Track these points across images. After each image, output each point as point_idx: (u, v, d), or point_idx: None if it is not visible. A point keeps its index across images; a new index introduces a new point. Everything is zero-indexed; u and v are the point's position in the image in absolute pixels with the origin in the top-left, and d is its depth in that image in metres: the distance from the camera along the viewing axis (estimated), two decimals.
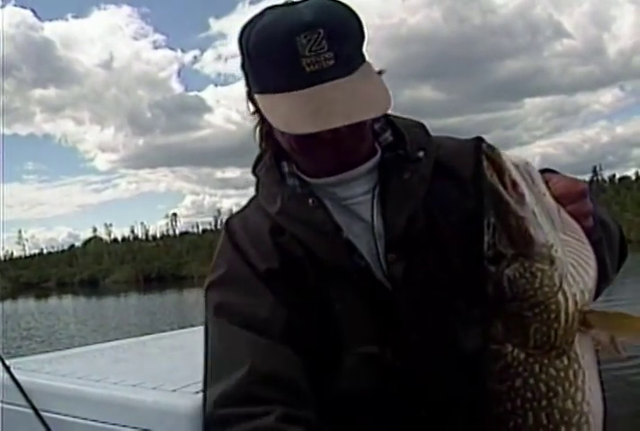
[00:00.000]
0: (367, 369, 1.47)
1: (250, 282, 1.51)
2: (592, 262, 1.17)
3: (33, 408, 2.65)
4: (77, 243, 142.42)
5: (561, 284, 1.13)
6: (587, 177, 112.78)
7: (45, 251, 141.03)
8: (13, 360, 3.13)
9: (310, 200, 1.51)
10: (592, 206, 1.31)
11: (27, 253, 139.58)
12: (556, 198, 1.22)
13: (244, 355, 1.43)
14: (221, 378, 1.43)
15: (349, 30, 1.41)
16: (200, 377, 2.47)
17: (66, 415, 2.56)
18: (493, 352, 1.21)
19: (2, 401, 2.78)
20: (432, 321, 1.47)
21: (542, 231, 1.15)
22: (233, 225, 1.64)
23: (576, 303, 1.13)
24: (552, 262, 1.14)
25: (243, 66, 1.50)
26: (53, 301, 63.49)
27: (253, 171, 1.67)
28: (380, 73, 1.49)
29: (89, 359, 3.18)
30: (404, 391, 1.47)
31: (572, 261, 1.15)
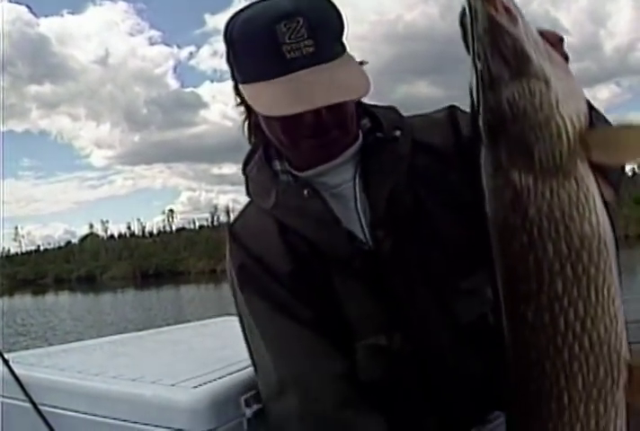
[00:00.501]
0: (379, 360, 1.53)
1: (275, 291, 1.59)
2: (580, 92, 1.19)
3: (32, 402, 2.64)
4: (74, 240, 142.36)
5: (558, 104, 1.13)
6: None
7: (42, 248, 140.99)
8: (12, 354, 3.12)
9: (305, 191, 1.56)
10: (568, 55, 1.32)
11: (23, 250, 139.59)
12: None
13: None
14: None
15: (328, 20, 1.47)
16: (199, 372, 2.51)
17: (64, 409, 2.56)
18: (499, 182, 1.16)
19: (1, 395, 2.78)
20: (428, 296, 1.51)
21: (536, 52, 1.16)
22: (238, 232, 1.69)
23: (574, 124, 1.13)
24: (547, 83, 1.14)
25: (228, 59, 1.57)
26: (50, 297, 63.48)
27: (244, 171, 1.73)
28: (362, 63, 1.55)
29: (88, 353, 3.17)
30: (418, 372, 1.53)
31: (563, 88, 1.15)
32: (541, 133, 1.12)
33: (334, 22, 1.50)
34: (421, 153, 1.56)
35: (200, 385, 2.41)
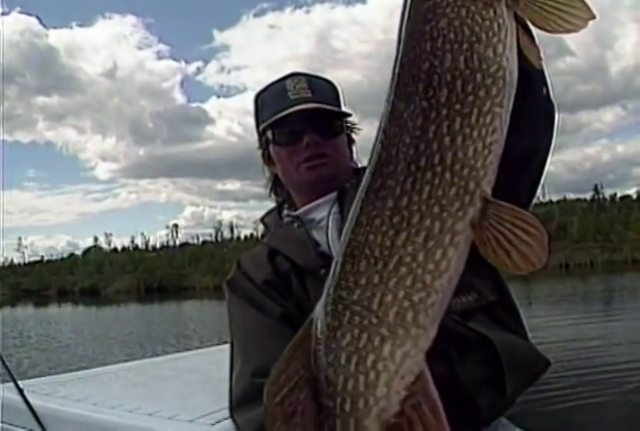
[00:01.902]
0: None
1: (252, 291, 1.91)
2: None
3: None
4: (77, 252, 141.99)
5: None
6: (588, 195, 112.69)
7: (45, 259, 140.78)
8: (27, 381, 3.10)
9: (295, 224, 1.97)
10: None
11: (26, 260, 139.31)
12: None
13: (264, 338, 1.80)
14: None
15: (324, 84, 2.03)
16: (216, 407, 2.49)
17: None
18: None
19: (15, 426, 2.76)
20: None
21: None
22: (241, 260, 2.06)
23: None
24: None
25: (257, 124, 2.06)
26: (53, 309, 63.35)
27: (262, 221, 2.17)
28: (354, 125, 2.07)
29: (104, 382, 3.14)
30: None
31: None
32: None
33: (328, 87, 2.05)
34: None
35: (219, 421, 2.39)
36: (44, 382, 3.24)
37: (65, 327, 33.81)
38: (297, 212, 2.01)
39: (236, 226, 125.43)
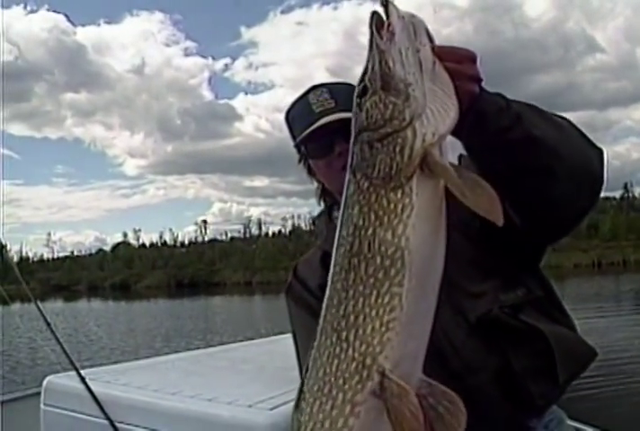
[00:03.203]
0: None
1: (308, 298, 1.96)
2: (453, 114, 1.21)
3: (109, 419, 2.71)
4: (105, 247, 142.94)
5: (412, 120, 1.18)
6: (618, 194, 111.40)
7: (74, 254, 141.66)
8: (87, 370, 3.19)
9: None
10: (479, 74, 1.39)
11: (55, 256, 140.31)
12: (438, 55, 1.26)
13: None
14: None
15: (346, 90, 1.83)
16: (273, 392, 2.58)
17: (142, 427, 2.63)
18: (348, 181, 1.28)
19: (79, 412, 2.86)
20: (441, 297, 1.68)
21: (404, 69, 1.21)
22: (297, 266, 2.14)
23: (424, 141, 1.17)
24: (407, 99, 1.19)
25: (293, 138, 2.07)
26: (82, 304, 63.82)
27: (313, 222, 2.26)
28: None
29: (161, 371, 3.22)
30: (437, 365, 1.56)
31: (432, 107, 1.19)
32: (386, 144, 1.20)
33: (351, 92, 1.79)
34: None
35: (277, 407, 2.46)
36: (104, 370, 3.31)
37: (95, 321, 34.14)
38: None
39: (264, 223, 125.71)
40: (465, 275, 1.74)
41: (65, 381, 3.06)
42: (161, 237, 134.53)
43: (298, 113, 2.05)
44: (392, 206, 1.19)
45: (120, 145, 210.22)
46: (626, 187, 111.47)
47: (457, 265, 1.64)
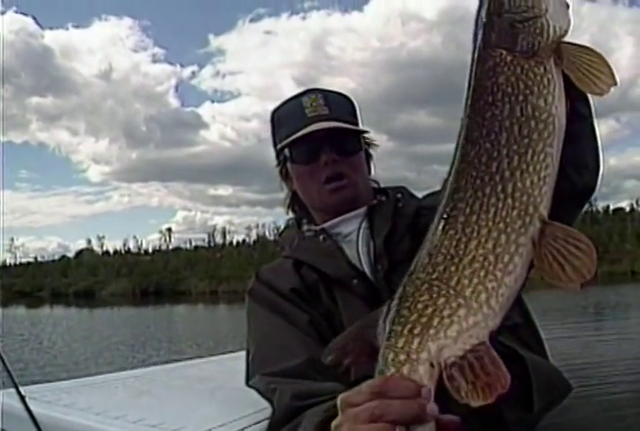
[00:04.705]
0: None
1: (276, 300, 1.92)
2: (569, 19, 1.41)
3: None
4: (68, 254, 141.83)
5: (547, 10, 1.37)
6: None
7: (37, 261, 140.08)
8: (30, 387, 3.01)
9: (321, 237, 1.99)
10: None
11: (18, 262, 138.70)
12: None
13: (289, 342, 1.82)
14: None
15: (340, 100, 2.04)
16: (224, 418, 2.41)
17: None
18: (484, 55, 1.39)
19: None
20: None
21: None
22: (261, 272, 2.08)
23: (556, 31, 1.36)
24: None
25: (274, 144, 2.09)
26: (45, 310, 63.27)
27: (280, 234, 2.25)
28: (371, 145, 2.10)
29: (110, 391, 3.05)
30: None
31: (555, 3, 1.39)
32: (528, 26, 1.37)
33: (345, 102, 2.07)
34: (427, 214, 1.78)
35: None
36: (47, 388, 3.12)
37: (54, 328, 33.80)
38: (324, 225, 2.02)
39: (229, 232, 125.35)
40: None
41: (4, 399, 2.87)
42: (125, 244, 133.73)
43: (289, 114, 2.01)
44: (538, 78, 1.34)
45: (85, 150, 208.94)
46: (590, 201, 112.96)
47: None
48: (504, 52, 1.36)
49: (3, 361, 3.26)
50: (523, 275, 1.28)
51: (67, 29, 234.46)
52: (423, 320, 1.24)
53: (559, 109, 1.35)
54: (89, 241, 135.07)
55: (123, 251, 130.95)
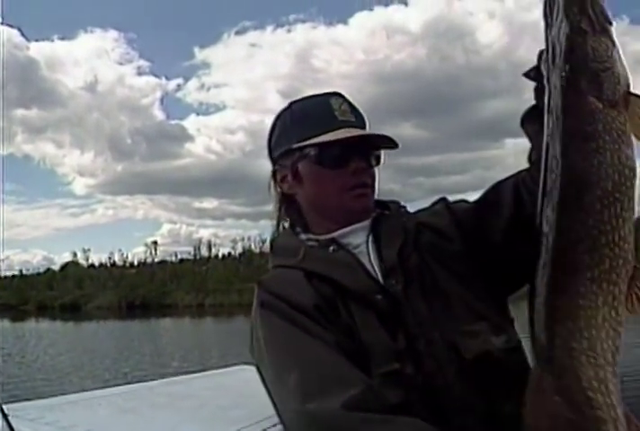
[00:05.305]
0: (394, 388, 1.65)
1: (296, 317, 1.72)
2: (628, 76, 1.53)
3: None
4: (53, 267, 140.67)
5: (618, 60, 1.51)
6: None
7: (23, 273, 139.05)
8: (13, 405, 2.98)
9: (330, 248, 1.87)
10: None
11: (3, 275, 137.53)
12: None
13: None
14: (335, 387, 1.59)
15: (360, 112, 1.98)
16: None
17: None
18: (581, 101, 1.49)
19: None
20: (435, 333, 1.73)
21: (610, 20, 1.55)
22: (264, 281, 1.88)
23: (627, 80, 1.51)
24: (614, 44, 1.53)
25: (270, 139, 2.00)
26: (30, 324, 62.84)
27: (271, 243, 2.04)
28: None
29: (93, 408, 3.03)
30: (428, 401, 1.66)
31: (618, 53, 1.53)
32: (609, 75, 1.48)
33: (361, 114, 1.99)
34: (426, 231, 1.91)
35: None
36: (31, 406, 3.09)
37: (38, 341, 33.60)
38: (334, 234, 1.90)
39: (214, 245, 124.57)
40: (456, 313, 1.76)
41: None
42: (110, 257, 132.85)
43: (316, 113, 1.90)
44: (623, 127, 1.45)
45: (70, 163, 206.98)
46: None
47: (447, 302, 1.79)
48: (595, 100, 1.46)
49: None
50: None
51: (53, 41, 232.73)
52: None
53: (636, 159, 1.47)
54: (74, 254, 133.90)
55: (109, 264, 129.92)
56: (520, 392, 1.61)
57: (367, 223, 1.92)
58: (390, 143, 1.94)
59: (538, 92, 1.69)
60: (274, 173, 1.98)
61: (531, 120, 1.74)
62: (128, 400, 3.23)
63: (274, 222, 2.05)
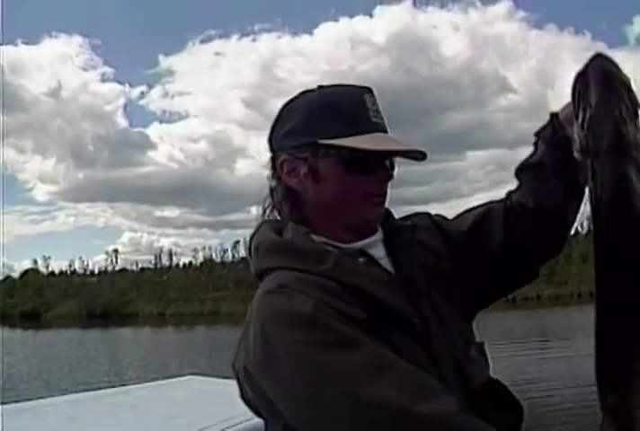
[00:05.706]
0: None
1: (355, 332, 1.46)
2: None
3: None
4: (13, 274, 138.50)
5: None
6: None
7: None
8: None
9: (361, 259, 1.66)
10: None
11: None
12: None
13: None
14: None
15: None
16: None
17: None
18: (631, 185, 1.48)
19: None
20: (450, 359, 1.64)
21: None
22: (285, 284, 1.53)
23: None
24: None
25: (274, 129, 1.77)
26: None
27: (271, 240, 1.69)
28: None
29: (40, 416, 3.10)
30: None
31: None
32: None
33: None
34: (418, 247, 1.80)
35: None
36: None
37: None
38: (359, 244, 1.71)
39: (175, 253, 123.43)
40: (461, 339, 1.69)
41: None
42: (71, 265, 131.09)
43: (348, 107, 1.70)
44: None
45: (32, 169, 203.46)
46: None
47: (450, 326, 1.69)
48: None
49: None
50: None
51: (17, 45, 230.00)
52: None
53: None
54: (35, 262, 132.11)
55: (69, 272, 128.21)
56: (507, 417, 1.65)
57: (380, 234, 1.77)
58: (421, 156, 1.78)
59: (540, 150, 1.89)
60: (281, 162, 1.73)
61: (526, 171, 1.92)
62: (75, 408, 3.30)
63: (260, 212, 1.80)
